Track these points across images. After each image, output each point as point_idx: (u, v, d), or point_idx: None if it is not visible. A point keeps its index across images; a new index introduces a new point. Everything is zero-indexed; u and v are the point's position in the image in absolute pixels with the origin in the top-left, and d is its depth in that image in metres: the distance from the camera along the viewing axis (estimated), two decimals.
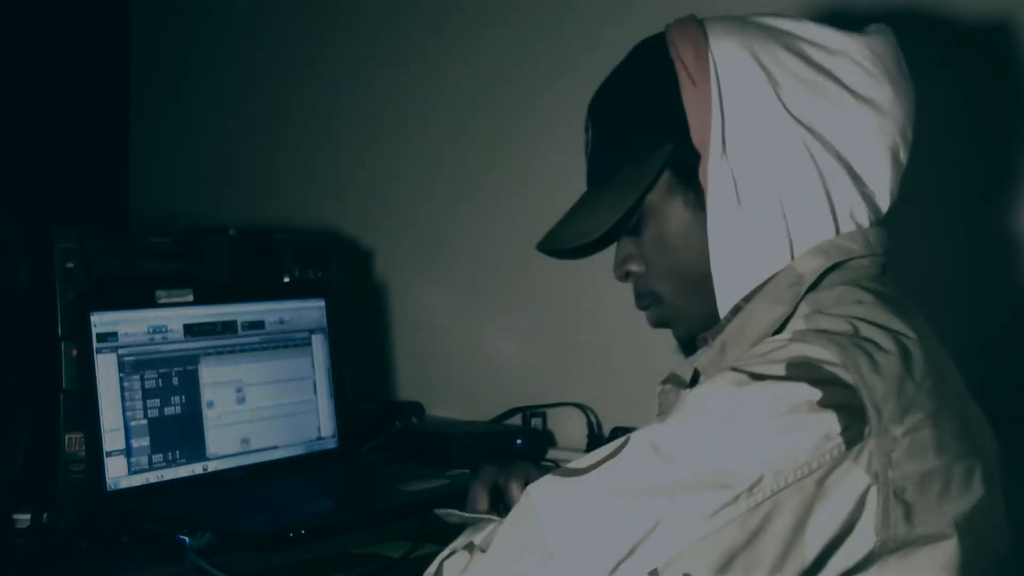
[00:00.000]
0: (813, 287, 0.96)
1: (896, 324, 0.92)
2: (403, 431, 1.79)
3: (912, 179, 1.05)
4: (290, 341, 1.65)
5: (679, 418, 0.87)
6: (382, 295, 2.06)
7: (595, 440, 1.79)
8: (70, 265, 1.47)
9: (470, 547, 0.99)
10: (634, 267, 1.07)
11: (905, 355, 0.89)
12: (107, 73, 2.38)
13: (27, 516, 1.34)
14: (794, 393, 0.84)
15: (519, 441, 1.74)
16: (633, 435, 0.88)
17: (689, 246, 1.02)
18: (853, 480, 0.84)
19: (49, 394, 1.44)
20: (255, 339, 1.61)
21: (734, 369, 0.88)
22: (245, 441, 1.56)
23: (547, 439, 1.82)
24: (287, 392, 1.63)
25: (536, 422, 1.83)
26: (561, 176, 1.87)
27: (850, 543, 0.85)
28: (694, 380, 1.02)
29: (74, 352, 1.43)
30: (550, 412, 1.84)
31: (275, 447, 1.60)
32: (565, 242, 1.08)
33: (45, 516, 1.34)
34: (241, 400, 1.57)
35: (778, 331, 0.95)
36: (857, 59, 0.99)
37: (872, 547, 0.85)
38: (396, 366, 2.05)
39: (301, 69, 2.19)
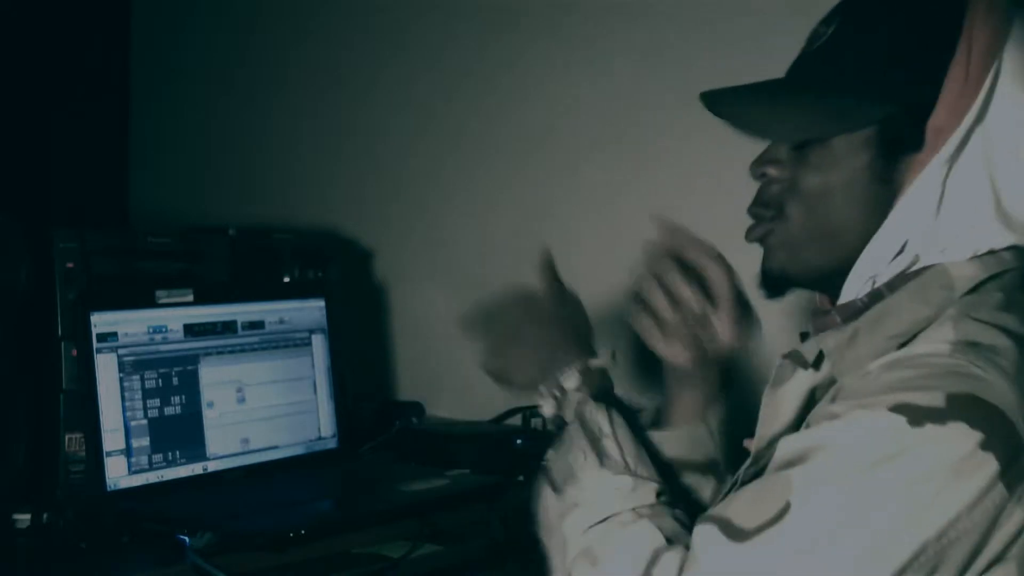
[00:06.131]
0: (969, 293, 0.91)
1: None
2: (403, 431, 1.79)
3: None
4: (290, 341, 1.65)
5: (835, 465, 0.83)
6: (382, 295, 2.06)
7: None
8: (70, 265, 1.47)
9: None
10: (775, 172, 0.99)
11: None
12: (107, 73, 2.38)
13: (27, 516, 1.33)
14: (955, 443, 0.81)
15: (519, 441, 1.74)
16: (794, 496, 0.83)
17: (844, 204, 0.95)
18: (1013, 521, 0.83)
19: (49, 394, 1.44)
20: (255, 339, 1.61)
21: (890, 407, 0.83)
22: (245, 441, 1.56)
23: (547, 439, 1.82)
24: (287, 392, 1.63)
25: (536, 422, 1.82)
26: (562, 176, 1.87)
27: (998, 570, 0.84)
28: (818, 361, 0.97)
29: (74, 352, 1.43)
30: None
31: (275, 447, 1.60)
32: (737, 119, 0.98)
33: (45, 516, 1.34)
34: (241, 400, 1.57)
35: (920, 329, 0.90)
36: None
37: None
38: (396, 366, 2.05)
39: (302, 69, 2.19)
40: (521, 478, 1.65)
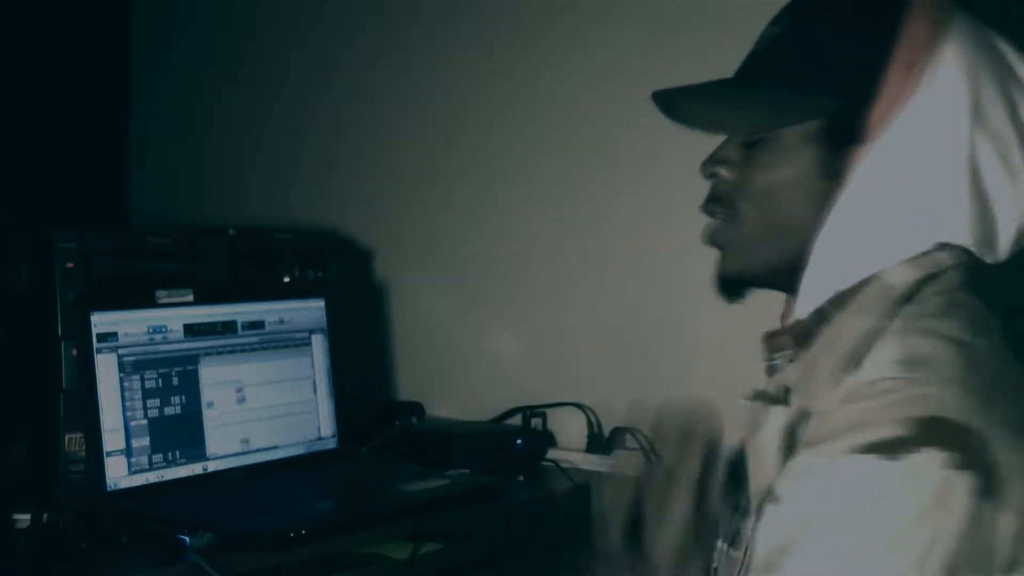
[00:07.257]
0: (908, 299, 0.91)
1: (996, 340, 0.89)
2: (403, 431, 1.79)
3: None
4: (290, 341, 1.65)
5: (822, 541, 0.81)
6: (382, 295, 2.06)
7: (595, 440, 1.80)
8: (70, 265, 1.47)
9: None
10: (725, 173, 0.99)
11: (1007, 376, 0.87)
12: (107, 73, 2.38)
13: (27, 516, 1.33)
14: (932, 470, 0.79)
15: (519, 441, 1.74)
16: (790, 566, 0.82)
17: (794, 200, 0.95)
18: (1009, 529, 0.80)
19: (49, 394, 1.44)
20: (255, 339, 1.61)
21: (857, 449, 0.81)
22: (245, 441, 1.56)
23: (547, 439, 1.82)
24: (287, 392, 1.63)
25: (536, 422, 1.83)
26: (561, 175, 1.87)
27: None
28: (786, 396, 0.96)
29: (74, 352, 1.43)
30: (550, 412, 1.83)
31: (275, 447, 1.60)
32: (687, 117, 0.98)
33: (45, 516, 1.34)
34: (241, 400, 1.57)
35: (868, 344, 0.89)
36: None
37: None
38: (396, 366, 2.05)
39: (302, 69, 2.19)
40: (521, 478, 1.66)
